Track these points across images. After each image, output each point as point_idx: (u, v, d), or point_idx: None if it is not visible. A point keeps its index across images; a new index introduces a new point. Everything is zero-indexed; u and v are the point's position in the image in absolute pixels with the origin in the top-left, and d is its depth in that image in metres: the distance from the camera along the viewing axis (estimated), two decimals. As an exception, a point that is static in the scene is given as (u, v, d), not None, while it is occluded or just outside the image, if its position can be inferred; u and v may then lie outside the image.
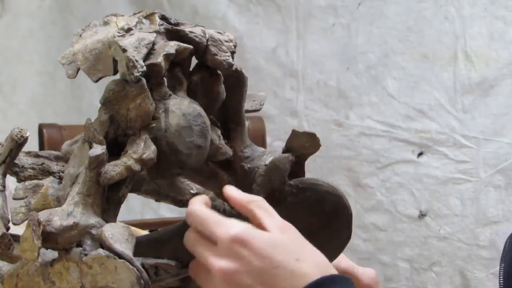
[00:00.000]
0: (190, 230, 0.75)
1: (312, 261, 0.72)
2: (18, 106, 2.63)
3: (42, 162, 0.87)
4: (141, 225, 1.78)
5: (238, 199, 0.77)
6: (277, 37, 2.33)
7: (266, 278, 0.71)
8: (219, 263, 0.72)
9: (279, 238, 0.72)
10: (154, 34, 0.80)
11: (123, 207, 0.80)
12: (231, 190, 0.78)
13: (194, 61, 0.85)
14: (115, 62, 0.79)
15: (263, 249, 0.72)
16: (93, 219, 0.75)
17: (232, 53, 0.84)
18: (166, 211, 2.49)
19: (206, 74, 0.84)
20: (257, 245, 0.72)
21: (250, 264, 0.71)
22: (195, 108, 0.81)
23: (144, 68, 0.77)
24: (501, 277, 1.06)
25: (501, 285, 1.06)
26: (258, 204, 0.75)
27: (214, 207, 0.84)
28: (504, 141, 2.03)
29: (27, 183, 0.82)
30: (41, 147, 1.98)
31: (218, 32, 0.85)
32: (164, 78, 0.80)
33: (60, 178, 0.83)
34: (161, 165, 0.79)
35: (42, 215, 0.74)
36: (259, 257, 0.71)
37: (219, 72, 0.85)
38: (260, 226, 0.73)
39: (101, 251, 0.73)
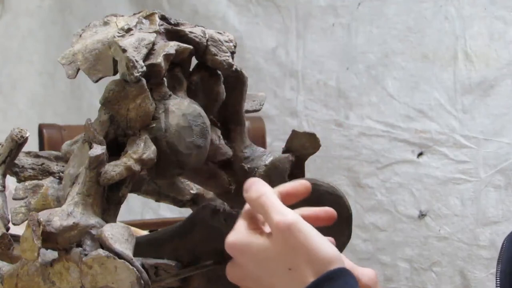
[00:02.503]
0: None
1: (306, 265, 0.72)
2: (18, 106, 2.63)
3: (42, 162, 0.87)
4: (141, 225, 1.78)
5: (248, 194, 0.77)
6: (277, 37, 2.33)
7: (266, 285, 0.73)
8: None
9: (272, 247, 0.73)
10: (154, 34, 0.80)
11: (123, 207, 0.80)
12: (250, 184, 0.77)
13: (194, 61, 0.85)
14: (115, 62, 0.79)
15: (258, 259, 0.73)
16: (93, 219, 0.75)
17: (232, 53, 0.84)
18: (166, 211, 2.49)
19: (206, 74, 0.84)
20: (252, 255, 0.73)
21: (251, 270, 0.73)
22: (195, 108, 0.81)
23: (144, 68, 0.77)
24: (497, 278, 1.06)
25: (497, 286, 1.06)
26: (263, 201, 0.75)
27: (214, 208, 0.84)
28: (504, 141, 2.03)
29: (27, 183, 0.82)
30: (41, 147, 1.98)
31: (218, 32, 0.85)
32: (164, 78, 0.80)
33: (60, 178, 0.83)
34: (161, 165, 0.79)
35: (42, 215, 0.74)
36: (256, 264, 0.73)
37: (219, 72, 0.85)
38: (267, 220, 0.73)
39: (101, 251, 0.73)
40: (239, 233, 0.73)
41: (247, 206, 0.75)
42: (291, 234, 0.72)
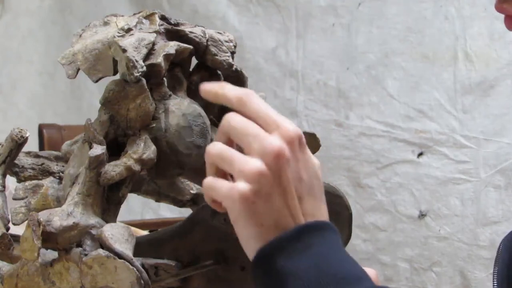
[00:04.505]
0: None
1: (325, 208, 0.72)
2: (18, 106, 2.63)
3: (42, 162, 0.87)
4: (141, 225, 1.78)
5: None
6: (277, 37, 2.33)
7: (300, 188, 0.70)
8: (279, 142, 0.68)
9: (318, 170, 0.72)
10: (154, 34, 0.80)
11: (123, 207, 0.80)
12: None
13: (194, 61, 0.85)
14: (115, 62, 0.79)
15: (310, 166, 0.70)
16: (93, 219, 0.75)
17: (232, 53, 0.84)
18: (166, 211, 2.49)
19: (206, 74, 0.84)
20: (308, 159, 0.70)
21: (299, 168, 0.70)
22: (195, 108, 0.81)
23: (144, 68, 0.77)
24: (495, 279, 1.06)
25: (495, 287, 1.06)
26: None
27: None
28: (504, 141, 2.03)
29: (27, 183, 0.82)
30: (41, 147, 1.99)
31: (218, 32, 0.85)
32: (164, 78, 0.80)
33: (60, 178, 0.83)
34: (161, 165, 0.79)
35: (42, 215, 0.74)
36: (306, 168, 0.70)
37: (219, 72, 0.85)
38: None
39: (101, 251, 0.73)
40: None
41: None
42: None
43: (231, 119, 0.69)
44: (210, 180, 0.69)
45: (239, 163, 0.68)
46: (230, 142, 0.71)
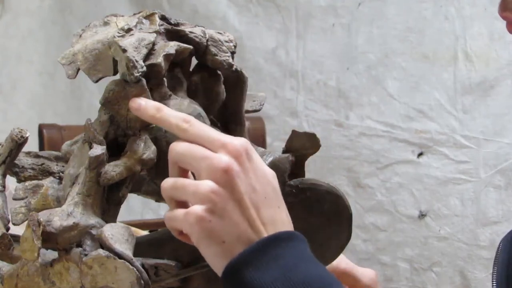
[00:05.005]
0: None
1: (286, 215, 0.72)
2: (18, 106, 2.63)
3: (42, 162, 0.87)
4: (141, 225, 1.78)
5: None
6: (277, 37, 2.33)
7: (255, 198, 0.70)
8: (226, 159, 0.69)
9: (270, 177, 0.73)
10: (154, 34, 0.80)
11: (123, 208, 0.80)
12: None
13: (194, 61, 0.85)
14: (115, 62, 0.79)
15: (261, 176, 0.71)
16: (93, 220, 0.75)
17: (232, 53, 0.84)
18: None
19: (206, 74, 0.84)
20: (259, 169, 0.71)
21: (250, 178, 0.70)
22: (195, 108, 0.81)
23: (144, 68, 0.77)
24: (494, 280, 1.06)
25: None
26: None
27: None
28: (504, 141, 2.03)
29: (27, 183, 0.82)
30: (41, 147, 1.99)
31: (218, 32, 0.85)
32: (164, 79, 0.80)
33: (60, 178, 0.83)
34: (161, 165, 0.79)
35: (42, 216, 0.74)
36: (257, 178, 0.71)
37: (219, 72, 0.85)
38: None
39: (101, 251, 0.73)
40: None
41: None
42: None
43: (176, 146, 0.71)
44: (168, 213, 0.71)
45: (191, 188, 0.69)
46: (183, 172, 0.71)
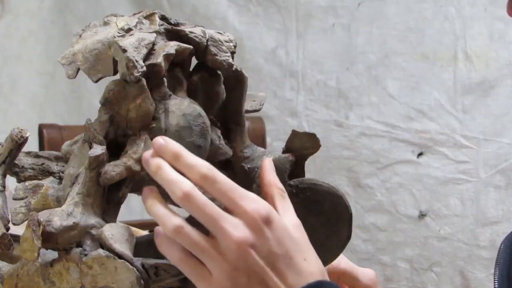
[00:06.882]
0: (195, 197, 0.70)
1: (315, 264, 0.72)
2: (18, 106, 2.63)
3: (42, 162, 0.87)
4: (141, 225, 1.77)
5: (268, 177, 0.75)
6: (277, 37, 2.33)
7: (278, 265, 0.69)
8: (239, 232, 0.68)
9: (295, 233, 0.72)
10: (154, 34, 0.80)
11: (123, 207, 0.80)
12: (268, 165, 0.76)
13: (194, 61, 0.85)
14: (115, 62, 0.79)
15: (284, 237, 0.70)
16: (93, 220, 0.75)
17: (232, 53, 0.84)
18: (166, 211, 2.48)
19: (206, 74, 0.84)
20: (280, 231, 0.70)
21: (270, 245, 0.69)
22: (195, 108, 0.81)
23: (144, 68, 0.77)
24: (496, 281, 1.06)
25: None
26: (282, 194, 0.74)
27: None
28: (504, 141, 2.03)
29: (27, 183, 0.82)
30: (41, 148, 1.99)
31: (218, 32, 0.85)
32: (164, 79, 0.80)
33: (60, 178, 0.83)
34: (161, 165, 0.79)
35: (42, 215, 0.74)
36: (279, 242, 0.69)
37: (219, 72, 0.85)
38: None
39: (101, 251, 0.73)
40: (269, 205, 0.71)
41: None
42: (305, 234, 0.71)
43: (191, 197, 0.70)
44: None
45: (211, 257, 0.69)
46: None
